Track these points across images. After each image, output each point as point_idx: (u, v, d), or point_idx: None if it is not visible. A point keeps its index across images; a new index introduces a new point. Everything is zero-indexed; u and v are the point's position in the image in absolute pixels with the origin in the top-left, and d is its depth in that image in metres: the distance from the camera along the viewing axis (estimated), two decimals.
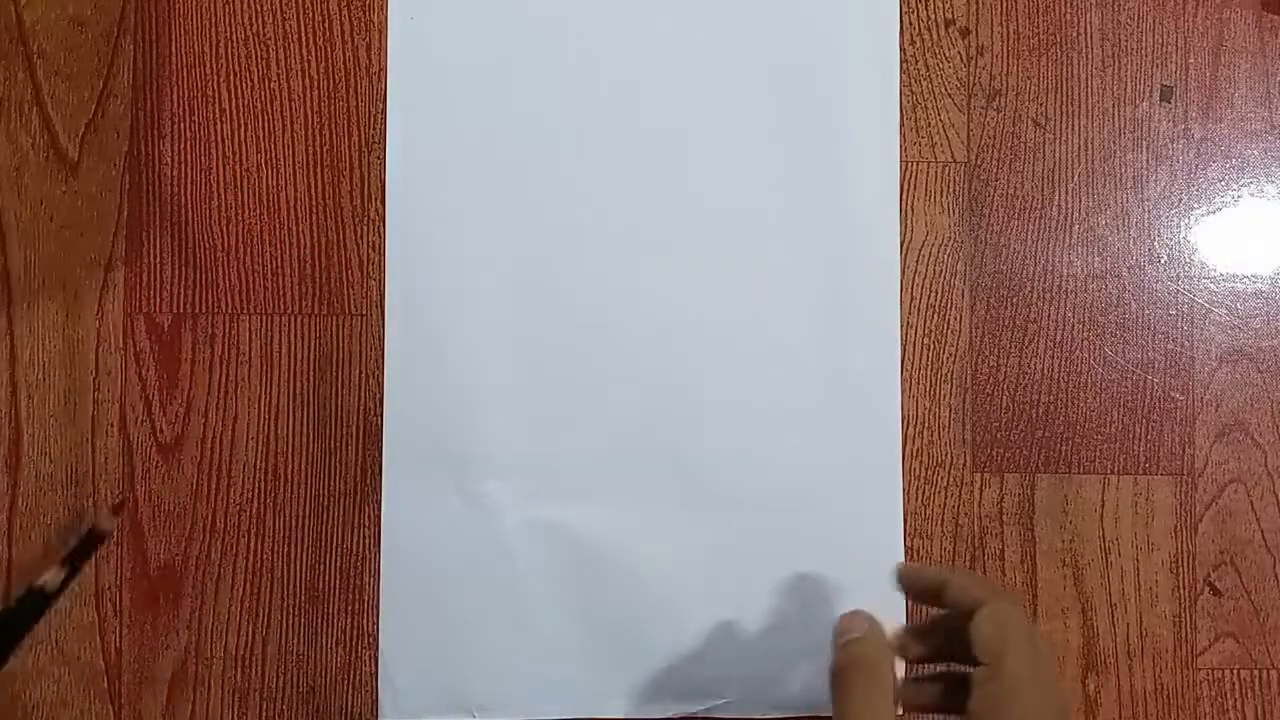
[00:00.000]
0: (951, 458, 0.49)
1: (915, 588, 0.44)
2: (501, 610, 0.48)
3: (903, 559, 0.48)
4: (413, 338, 0.48)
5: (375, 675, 0.48)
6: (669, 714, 0.48)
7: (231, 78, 0.49)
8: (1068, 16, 0.50)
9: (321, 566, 0.48)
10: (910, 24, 0.50)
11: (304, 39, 0.50)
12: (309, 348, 0.49)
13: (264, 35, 0.50)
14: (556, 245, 0.49)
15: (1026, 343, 0.49)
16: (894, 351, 0.49)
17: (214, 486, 0.49)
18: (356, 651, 0.48)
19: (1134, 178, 0.50)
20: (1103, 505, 0.49)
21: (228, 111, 0.49)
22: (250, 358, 0.49)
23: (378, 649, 0.48)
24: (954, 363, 0.49)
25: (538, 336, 0.49)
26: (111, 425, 0.49)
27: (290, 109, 0.49)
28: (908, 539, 0.49)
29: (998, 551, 0.49)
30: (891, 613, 0.47)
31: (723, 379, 0.49)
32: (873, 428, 0.49)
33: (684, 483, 0.48)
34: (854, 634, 0.41)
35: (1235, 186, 0.50)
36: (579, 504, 0.48)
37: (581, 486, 0.48)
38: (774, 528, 0.48)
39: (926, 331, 0.49)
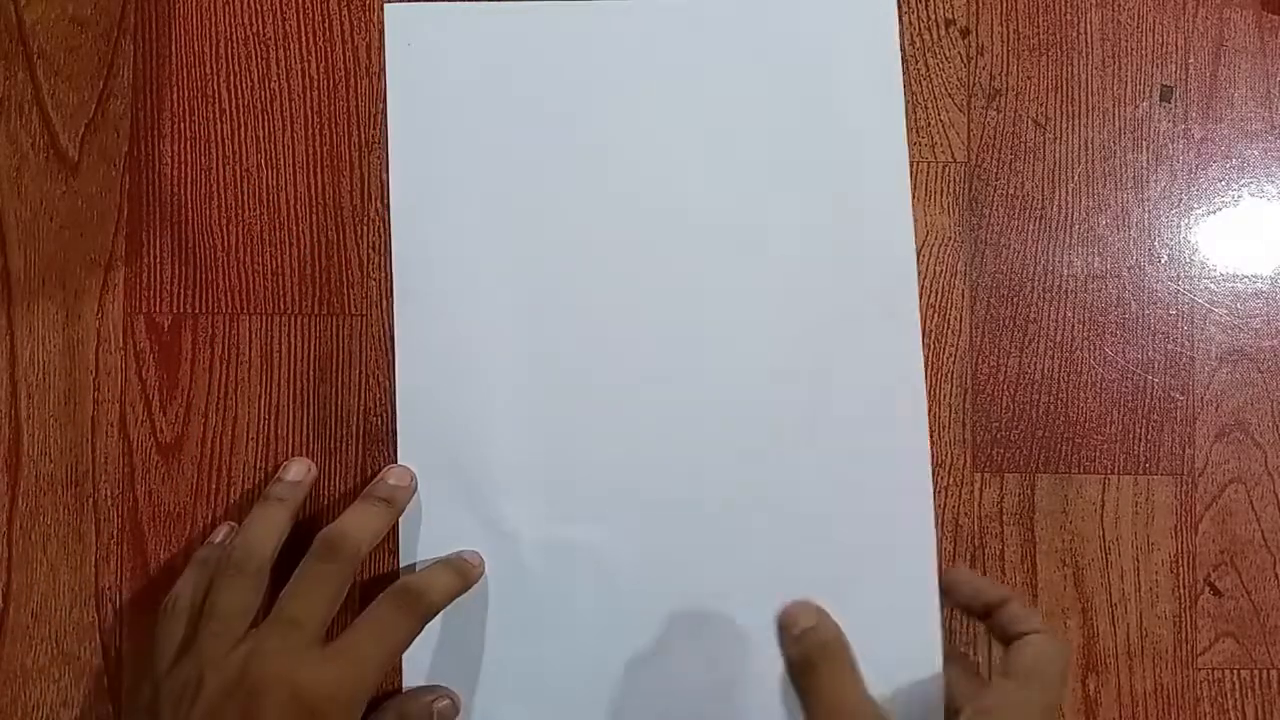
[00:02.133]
0: (951, 458, 0.49)
1: (963, 597, 0.46)
2: (517, 631, 0.47)
3: (936, 580, 0.47)
4: (423, 354, 0.48)
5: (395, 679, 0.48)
6: None
7: (231, 78, 0.49)
8: (1068, 16, 0.50)
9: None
10: (910, 24, 0.50)
11: (304, 39, 0.50)
12: (309, 348, 0.49)
13: (264, 35, 0.50)
14: (564, 255, 0.48)
15: (1026, 343, 0.49)
16: (916, 359, 0.48)
17: (214, 486, 0.49)
18: None
19: (1134, 178, 0.50)
20: (1103, 505, 0.49)
21: (228, 111, 0.49)
22: (250, 358, 0.49)
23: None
24: (954, 363, 0.49)
25: (547, 349, 0.48)
26: (111, 425, 0.49)
27: (290, 109, 0.49)
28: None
29: (998, 551, 0.49)
30: (923, 630, 0.46)
31: (739, 392, 0.48)
32: (898, 439, 0.48)
33: (702, 499, 0.48)
34: (807, 623, 0.42)
35: (1235, 186, 0.50)
36: (593, 523, 0.48)
37: (595, 505, 0.48)
38: (796, 544, 0.47)
39: (926, 331, 0.49)
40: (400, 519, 0.47)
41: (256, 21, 0.50)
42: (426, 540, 0.48)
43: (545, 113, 0.49)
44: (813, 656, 0.41)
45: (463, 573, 0.46)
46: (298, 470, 0.47)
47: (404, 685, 0.47)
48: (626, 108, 0.49)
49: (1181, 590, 0.49)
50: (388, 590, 0.44)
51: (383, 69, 0.49)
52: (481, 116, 0.49)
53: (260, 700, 0.41)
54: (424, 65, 0.49)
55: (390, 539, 0.48)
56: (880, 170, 0.49)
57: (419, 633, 0.44)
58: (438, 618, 0.46)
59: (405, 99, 0.49)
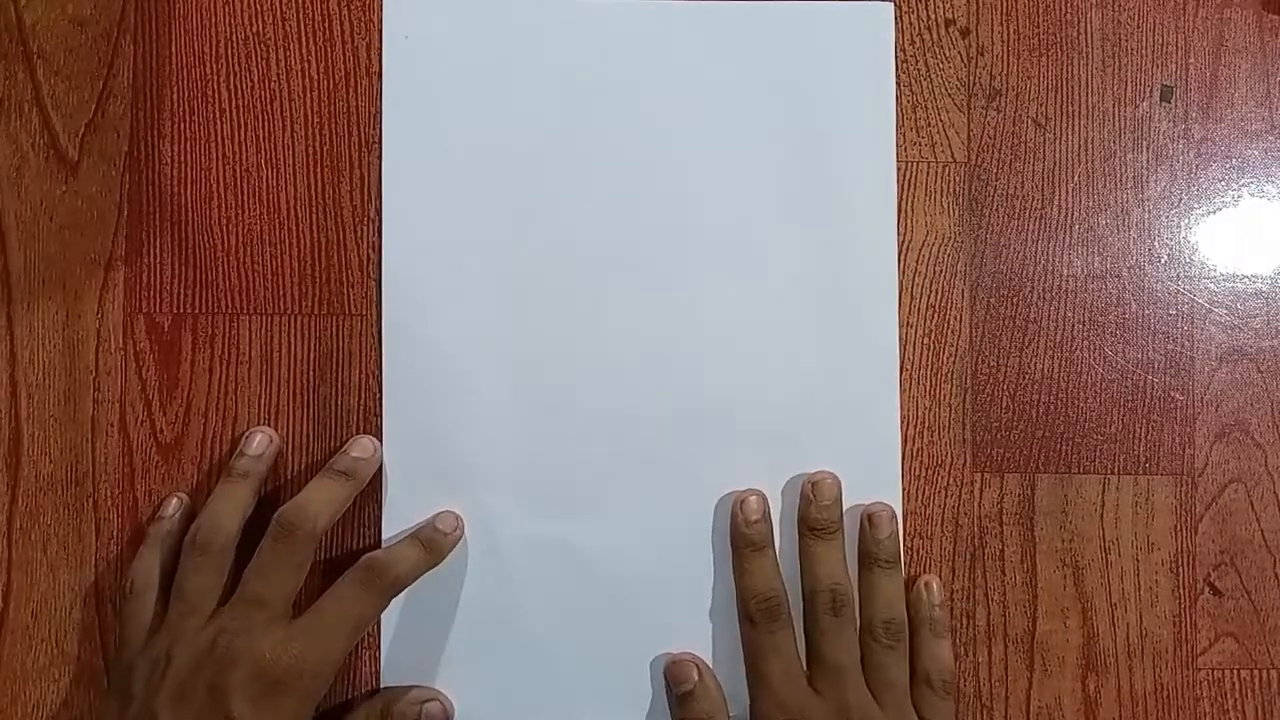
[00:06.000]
0: (951, 458, 0.49)
1: None
2: (497, 625, 0.48)
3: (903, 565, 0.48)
4: (410, 349, 0.48)
5: (376, 675, 0.48)
6: None
7: (231, 78, 0.49)
8: (1068, 16, 0.50)
9: (322, 567, 0.48)
10: (910, 24, 0.50)
11: (304, 39, 0.50)
12: (309, 348, 0.49)
13: (264, 35, 0.50)
14: (553, 252, 0.49)
15: (1026, 343, 0.49)
16: (892, 360, 0.49)
17: (214, 486, 0.48)
18: (356, 650, 0.48)
19: (1134, 178, 0.50)
20: (1103, 505, 0.49)
21: (228, 111, 0.49)
22: (250, 358, 0.49)
23: (378, 650, 0.48)
24: (954, 363, 0.49)
25: (532, 348, 0.48)
26: (111, 425, 0.49)
27: (290, 109, 0.49)
28: (908, 539, 0.49)
29: (998, 551, 0.49)
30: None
31: (723, 389, 0.48)
32: (871, 437, 0.48)
33: (683, 495, 0.48)
34: (686, 687, 0.46)
35: (1235, 186, 0.50)
36: (575, 518, 0.48)
37: (578, 500, 0.48)
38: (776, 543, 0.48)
39: (926, 331, 0.49)
40: (385, 515, 0.48)
41: (256, 21, 0.50)
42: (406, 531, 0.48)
43: (538, 107, 0.49)
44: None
45: (433, 547, 0.46)
46: (260, 443, 0.47)
47: (383, 680, 0.48)
48: (620, 107, 0.49)
49: (1181, 590, 0.49)
50: (353, 566, 0.45)
51: (382, 69, 0.49)
52: (475, 111, 0.49)
53: (227, 675, 0.42)
54: (421, 58, 0.49)
55: (374, 522, 0.48)
56: (867, 173, 0.49)
57: (384, 607, 0.45)
58: (417, 610, 0.47)
59: (401, 92, 0.49)
